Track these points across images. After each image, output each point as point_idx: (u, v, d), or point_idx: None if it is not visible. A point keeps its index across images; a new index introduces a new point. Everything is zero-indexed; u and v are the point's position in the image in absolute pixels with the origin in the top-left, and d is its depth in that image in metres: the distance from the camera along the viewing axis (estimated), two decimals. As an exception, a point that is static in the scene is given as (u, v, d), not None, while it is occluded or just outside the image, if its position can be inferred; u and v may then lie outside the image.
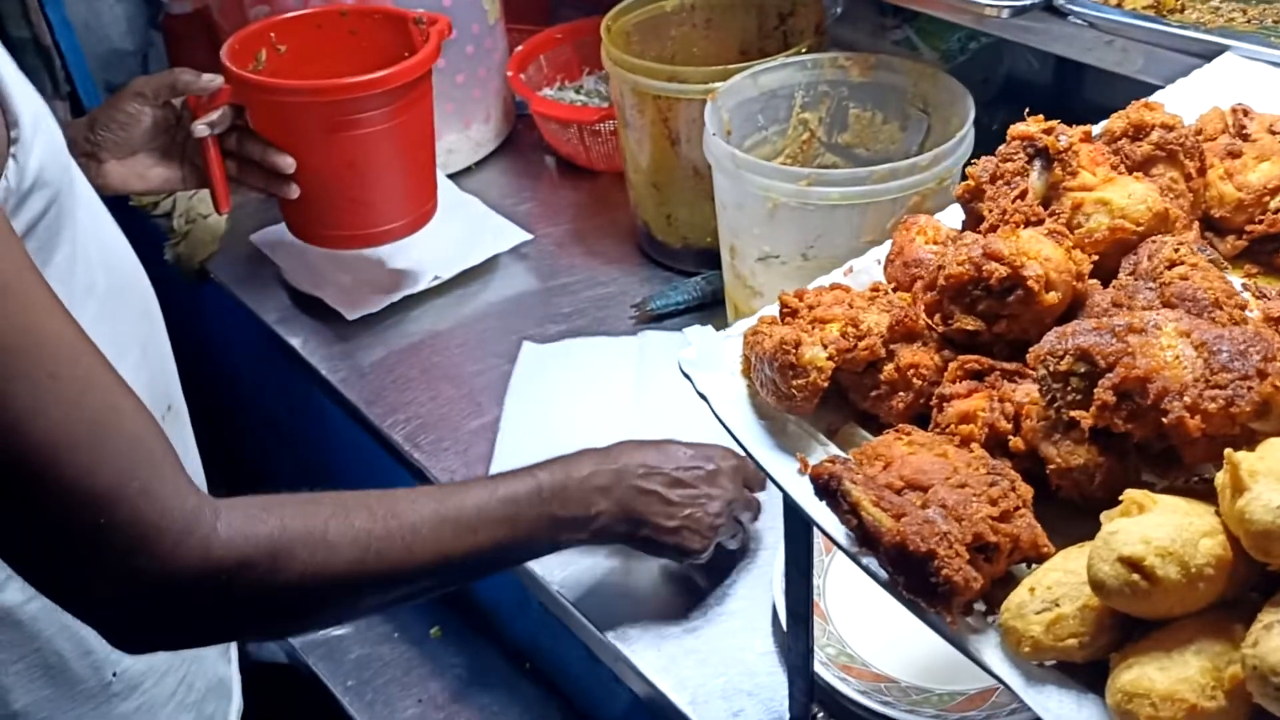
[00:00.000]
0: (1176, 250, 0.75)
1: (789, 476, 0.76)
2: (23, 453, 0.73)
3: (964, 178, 0.87)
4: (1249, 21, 1.16)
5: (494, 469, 1.36)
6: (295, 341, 1.63)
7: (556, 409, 1.42)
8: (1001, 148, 0.84)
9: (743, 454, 1.06)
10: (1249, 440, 0.62)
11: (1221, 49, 1.10)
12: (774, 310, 0.84)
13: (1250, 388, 0.62)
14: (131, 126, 1.39)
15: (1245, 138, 0.92)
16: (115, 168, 1.39)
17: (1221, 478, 0.60)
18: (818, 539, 0.90)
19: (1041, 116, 0.84)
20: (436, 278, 1.65)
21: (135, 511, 0.76)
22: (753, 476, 1.17)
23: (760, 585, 1.19)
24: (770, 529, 1.25)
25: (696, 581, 1.21)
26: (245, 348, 1.89)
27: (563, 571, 1.23)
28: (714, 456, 1.14)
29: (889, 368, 0.78)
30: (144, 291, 1.09)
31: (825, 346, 0.77)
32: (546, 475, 1.03)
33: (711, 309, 1.55)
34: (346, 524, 0.88)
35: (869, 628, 1.10)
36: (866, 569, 0.70)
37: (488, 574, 0.99)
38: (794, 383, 0.76)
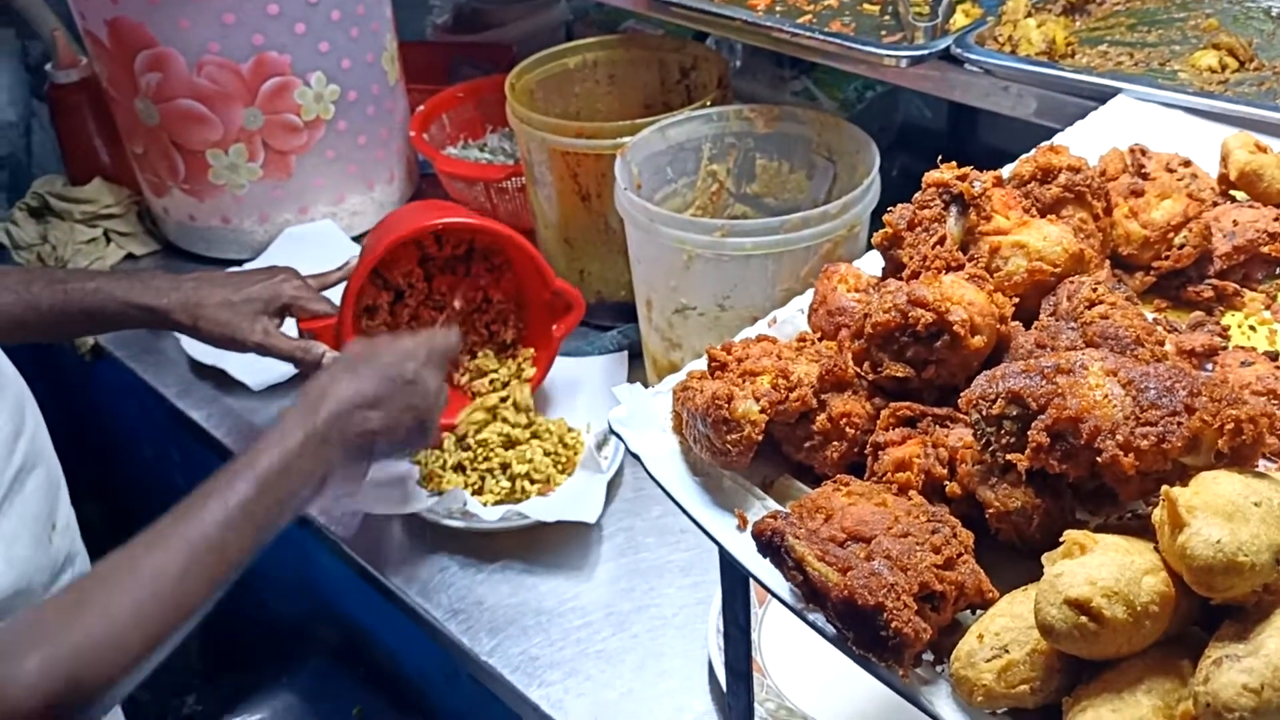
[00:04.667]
0: (1095, 290, 0.76)
1: (728, 534, 0.75)
2: None
3: (877, 224, 0.87)
4: (1136, 65, 1.20)
5: None
6: (198, 415, 1.58)
7: None
8: (918, 195, 0.85)
9: (439, 343, 1.21)
10: (1180, 475, 0.62)
11: (1113, 91, 1.14)
12: (702, 364, 0.83)
13: (1180, 423, 0.62)
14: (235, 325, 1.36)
15: (1145, 176, 0.95)
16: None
17: (1159, 514, 0.60)
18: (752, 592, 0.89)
19: (955, 163, 0.85)
20: (345, 342, 1.61)
21: None
22: (445, 348, 1.22)
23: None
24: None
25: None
26: (145, 424, 1.81)
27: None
28: (413, 354, 1.17)
29: (821, 418, 0.77)
30: (11, 386, 1.05)
31: (757, 399, 0.76)
32: (265, 461, 1.03)
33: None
34: (133, 606, 0.89)
35: (806, 679, 1.08)
36: (813, 625, 0.69)
37: (256, 553, 1.01)
38: (728, 437, 0.75)
